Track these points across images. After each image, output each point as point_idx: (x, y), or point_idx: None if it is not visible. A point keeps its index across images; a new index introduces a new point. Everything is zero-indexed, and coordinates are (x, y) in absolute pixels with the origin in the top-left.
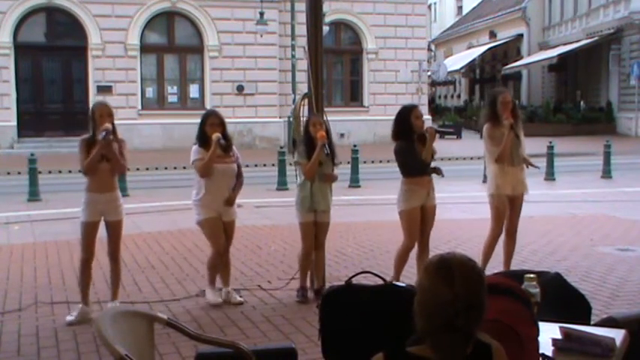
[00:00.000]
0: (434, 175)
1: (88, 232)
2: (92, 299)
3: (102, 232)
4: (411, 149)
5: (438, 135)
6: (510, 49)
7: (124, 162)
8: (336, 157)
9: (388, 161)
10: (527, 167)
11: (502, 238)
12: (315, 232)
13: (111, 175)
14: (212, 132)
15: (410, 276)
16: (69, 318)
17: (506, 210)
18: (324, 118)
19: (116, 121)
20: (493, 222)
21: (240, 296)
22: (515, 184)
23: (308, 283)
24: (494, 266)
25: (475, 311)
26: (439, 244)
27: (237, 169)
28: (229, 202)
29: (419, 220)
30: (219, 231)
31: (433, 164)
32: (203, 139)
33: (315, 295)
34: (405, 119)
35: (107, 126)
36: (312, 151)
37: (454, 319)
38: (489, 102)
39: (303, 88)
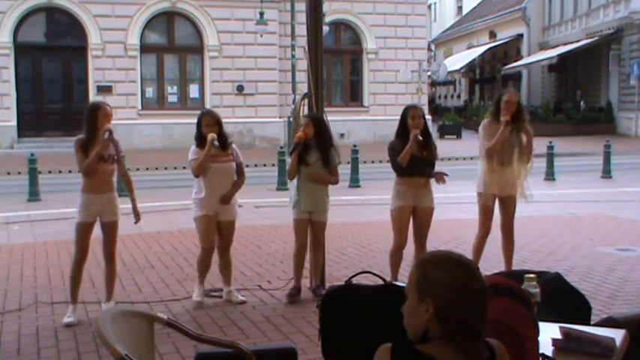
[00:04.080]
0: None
1: (84, 233)
2: (92, 299)
3: (97, 231)
4: (396, 148)
5: (418, 138)
6: (510, 49)
7: (127, 170)
8: (333, 160)
9: (388, 161)
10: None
11: (501, 239)
12: (312, 230)
13: (110, 176)
14: (208, 132)
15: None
16: (67, 320)
17: (493, 209)
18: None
19: (116, 121)
20: (480, 221)
21: (243, 296)
22: (504, 184)
23: (310, 284)
24: (494, 266)
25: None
26: (439, 244)
27: (236, 167)
28: (224, 200)
29: (407, 220)
30: (211, 230)
31: (437, 168)
32: (200, 140)
33: (313, 295)
34: (403, 119)
35: (110, 126)
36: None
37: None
38: (495, 100)
39: (303, 88)
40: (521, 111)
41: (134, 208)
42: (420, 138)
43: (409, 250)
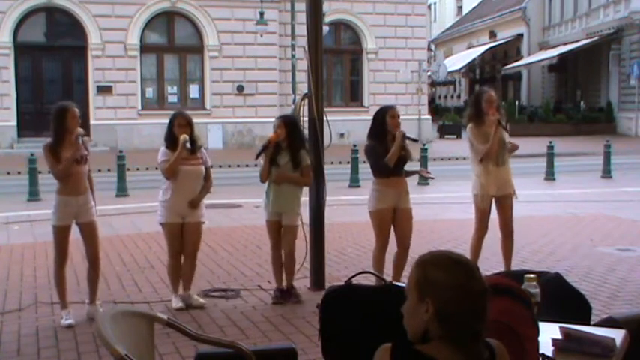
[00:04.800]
0: (423, 178)
1: (62, 235)
2: None
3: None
4: (377, 150)
5: (405, 139)
6: (510, 49)
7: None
8: (303, 161)
9: None
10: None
11: (500, 239)
12: (282, 233)
13: (85, 177)
14: (180, 133)
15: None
16: (66, 322)
17: (490, 210)
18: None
19: (116, 121)
20: (476, 222)
21: (203, 299)
22: (500, 184)
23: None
24: (494, 266)
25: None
26: (439, 245)
27: (204, 171)
28: (193, 204)
29: (389, 222)
30: (177, 238)
31: (412, 168)
32: (170, 141)
33: (281, 295)
34: (380, 119)
35: (81, 130)
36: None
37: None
38: (473, 101)
39: (303, 88)
40: (499, 108)
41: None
42: (411, 137)
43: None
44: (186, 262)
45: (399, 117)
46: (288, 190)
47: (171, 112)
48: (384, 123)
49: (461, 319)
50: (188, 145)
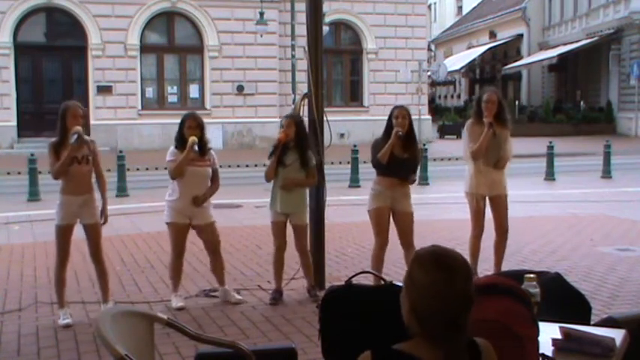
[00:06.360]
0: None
1: (63, 235)
2: (92, 299)
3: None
4: (378, 147)
5: (400, 138)
6: (510, 49)
7: (102, 171)
8: (310, 161)
9: None
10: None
11: (494, 239)
12: (293, 234)
13: (87, 177)
14: (189, 134)
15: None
16: (63, 322)
17: (483, 209)
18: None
19: (116, 121)
20: (471, 221)
21: (239, 294)
22: (491, 184)
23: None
24: (492, 267)
25: (471, 306)
26: (439, 244)
27: (212, 173)
28: (195, 202)
29: (386, 220)
30: (180, 237)
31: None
32: (180, 141)
33: (308, 294)
34: (389, 118)
35: (78, 129)
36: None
37: (459, 316)
38: (476, 100)
39: (303, 88)
40: (502, 110)
41: (103, 209)
42: (401, 134)
43: (396, 250)
44: (212, 260)
45: (404, 117)
46: (295, 190)
47: (172, 112)
48: (390, 123)
49: (433, 321)
50: (196, 147)
